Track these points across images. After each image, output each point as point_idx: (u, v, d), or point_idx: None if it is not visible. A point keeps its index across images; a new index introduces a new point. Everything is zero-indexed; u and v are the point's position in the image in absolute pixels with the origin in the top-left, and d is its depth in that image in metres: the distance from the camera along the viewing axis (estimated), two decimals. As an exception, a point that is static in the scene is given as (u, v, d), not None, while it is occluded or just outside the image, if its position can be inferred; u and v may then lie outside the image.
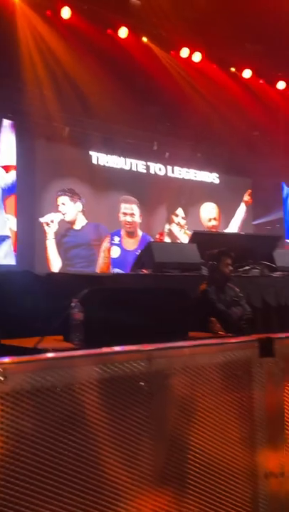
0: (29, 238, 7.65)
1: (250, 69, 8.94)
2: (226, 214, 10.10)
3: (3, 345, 2.76)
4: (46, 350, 2.45)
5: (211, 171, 9.88)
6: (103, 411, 1.20)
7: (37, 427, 1.13)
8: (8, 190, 7.46)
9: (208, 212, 9.91)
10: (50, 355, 1.18)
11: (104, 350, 1.22)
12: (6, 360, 1.09)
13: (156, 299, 3.04)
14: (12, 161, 7.46)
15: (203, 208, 9.85)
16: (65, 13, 7.01)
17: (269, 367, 1.49)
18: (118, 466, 1.26)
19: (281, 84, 9.38)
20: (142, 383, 1.21)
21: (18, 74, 7.03)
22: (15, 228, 7.39)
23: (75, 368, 1.15)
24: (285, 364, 1.53)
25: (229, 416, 1.43)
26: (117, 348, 1.24)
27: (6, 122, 7.40)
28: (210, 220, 9.91)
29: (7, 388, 1.07)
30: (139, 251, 6.97)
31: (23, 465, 1.12)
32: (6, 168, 7.43)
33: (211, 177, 9.96)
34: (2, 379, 1.07)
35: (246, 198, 10.39)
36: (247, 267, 5.27)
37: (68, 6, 7.00)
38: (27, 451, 1.13)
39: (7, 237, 7.34)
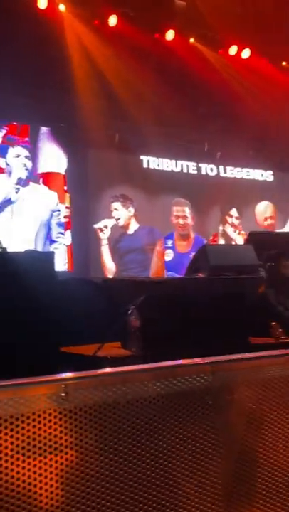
0: (84, 244, 7.78)
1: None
2: (283, 212, 9.78)
3: (63, 352, 2.79)
4: (106, 358, 2.44)
5: (264, 169, 9.62)
6: (167, 426, 1.16)
7: (99, 443, 1.11)
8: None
9: (264, 212, 9.63)
10: (110, 370, 1.15)
11: (166, 363, 1.17)
12: (67, 375, 1.08)
13: (214, 304, 2.96)
14: (55, 168, 7.58)
15: (258, 207, 9.60)
16: (112, 21, 7.09)
17: None
18: (186, 480, 1.22)
19: None
20: (207, 397, 1.15)
21: (68, 84, 7.17)
22: (69, 235, 7.54)
23: (136, 383, 1.12)
24: None
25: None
26: (178, 362, 1.19)
27: (44, 130, 7.55)
28: (266, 219, 9.63)
29: (69, 405, 1.05)
30: (193, 253, 6.87)
31: (88, 477, 1.11)
32: (45, 176, 7.55)
33: (265, 175, 9.69)
34: (64, 395, 1.05)
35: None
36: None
37: (115, 13, 7.07)
38: (91, 468, 1.11)
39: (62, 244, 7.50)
